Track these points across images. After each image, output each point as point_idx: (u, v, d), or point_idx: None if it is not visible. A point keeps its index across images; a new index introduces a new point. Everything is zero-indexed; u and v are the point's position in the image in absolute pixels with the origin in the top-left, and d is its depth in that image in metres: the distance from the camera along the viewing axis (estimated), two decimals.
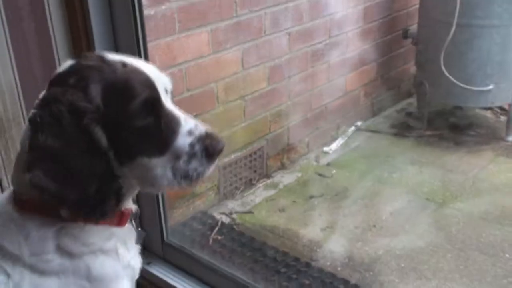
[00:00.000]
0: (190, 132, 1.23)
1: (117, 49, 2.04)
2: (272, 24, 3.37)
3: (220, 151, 1.25)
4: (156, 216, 2.20)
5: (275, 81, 3.49)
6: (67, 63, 1.26)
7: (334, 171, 3.66)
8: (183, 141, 1.22)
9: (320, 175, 3.63)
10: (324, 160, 3.81)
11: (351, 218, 3.17)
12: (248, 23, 3.23)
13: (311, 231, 3.07)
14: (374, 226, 3.08)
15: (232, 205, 3.34)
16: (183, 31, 2.90)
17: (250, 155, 3.46)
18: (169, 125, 1.22)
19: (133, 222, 1.43)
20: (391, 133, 4.16)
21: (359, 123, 4.24)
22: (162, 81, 1.26)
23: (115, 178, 1.21)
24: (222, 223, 3.12)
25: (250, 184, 3.51)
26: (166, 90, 1.27)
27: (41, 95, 1.22)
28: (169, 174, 1.23)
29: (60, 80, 1.21)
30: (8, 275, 1.21)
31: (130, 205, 1.38)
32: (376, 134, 4.15)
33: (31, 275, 1.22)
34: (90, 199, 1.16)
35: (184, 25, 2.90)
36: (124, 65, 1.23)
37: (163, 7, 2.79)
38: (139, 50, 2.01)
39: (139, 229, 1.48)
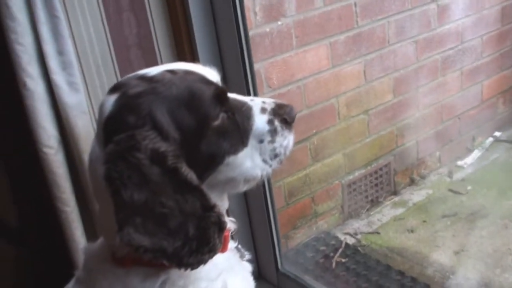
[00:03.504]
0: (263, 110, 1.18)
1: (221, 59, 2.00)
2: (397, 33, 3.18)
3: (295, 116, 1.20)
4: (269, 242, 2.10)
5: (401, 93, 3.28)
6: (108, 101, 1.10)
7: (469, 187, 3.37)
8: (260, 121, 1.17)
9: (453, 192, 3.36)
10: (458, 175, 3.53)
11: (489, 241, 2.88)
12: (370, 34, 3.07)
13: (443, 255, 2.82)
14: None
15: (358, 224, 3.17)
16: (300, 46, 2.81)
17: (376, 172, 3.28)
18: (242, 112, 1.16)
19: (234, 239, 1.32)
20: None
21: (498, 134, 3.89)
22: (211, 74, 1.18)
23: (212, 207, 1.06)
24: (346, 244, 2.97)
25: (376, 202, 3.33)
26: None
27: (93, 151, 1.12)
28: (258, 161, 1.17)
29: (116, 124, 1.06)
30: None
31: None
32: None
33: None
34: (192, 241, 1.03)
35: (301, 40, 2.81)
36: (173, 72, 1.12)
37: (279, 23, 2.71)
38: (245, 66, 1.96)
39: (239, 245, 1.34)
